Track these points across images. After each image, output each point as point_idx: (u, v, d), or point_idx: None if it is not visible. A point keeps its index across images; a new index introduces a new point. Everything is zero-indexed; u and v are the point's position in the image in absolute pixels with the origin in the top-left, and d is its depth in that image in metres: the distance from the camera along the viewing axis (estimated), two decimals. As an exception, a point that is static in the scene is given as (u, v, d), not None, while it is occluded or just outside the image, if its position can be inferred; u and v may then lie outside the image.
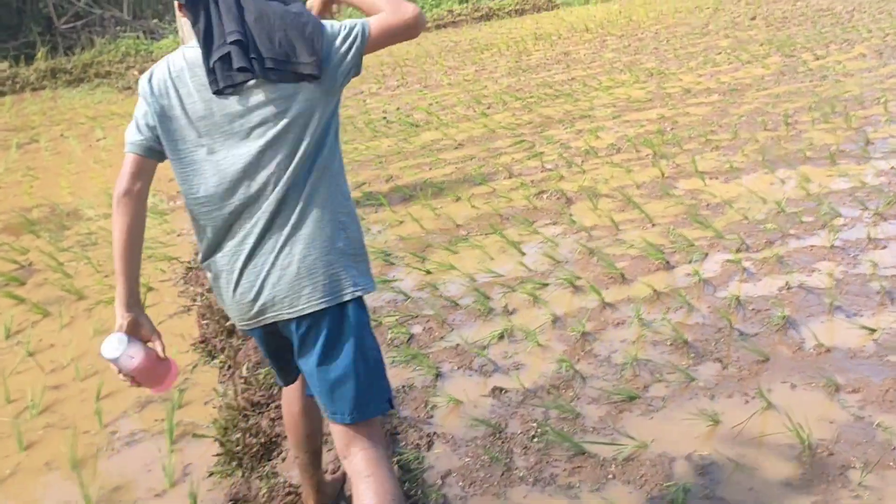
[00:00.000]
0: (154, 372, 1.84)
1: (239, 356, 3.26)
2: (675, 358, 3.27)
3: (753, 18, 11.90)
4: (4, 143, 8.68)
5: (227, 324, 3.55)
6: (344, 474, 2.49)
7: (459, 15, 15.92)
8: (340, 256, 1.81)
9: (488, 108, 8.31)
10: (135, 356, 1.79)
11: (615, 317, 3.68)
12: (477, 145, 6.97)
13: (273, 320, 1.82)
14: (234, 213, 1.80)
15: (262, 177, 1.77)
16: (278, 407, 2.85)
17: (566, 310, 3.81)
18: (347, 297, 1.81)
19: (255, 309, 1.82)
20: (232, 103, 1.77)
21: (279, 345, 1.97)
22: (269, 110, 1.77)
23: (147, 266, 4.73)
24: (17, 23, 15.45)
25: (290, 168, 1.76)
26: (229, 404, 2.93)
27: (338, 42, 1.78)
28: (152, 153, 1.89)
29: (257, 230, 1.79)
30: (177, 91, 1.80)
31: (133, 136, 1.89)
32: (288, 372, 2.12)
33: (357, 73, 1.85)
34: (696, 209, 4.82)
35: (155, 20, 15.46)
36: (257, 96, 1.76)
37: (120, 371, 1.79)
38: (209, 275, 1.92)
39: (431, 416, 3.07)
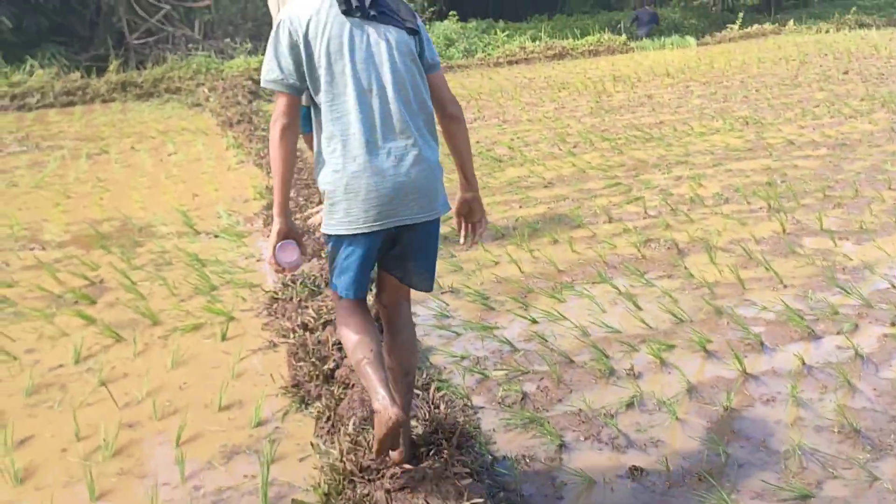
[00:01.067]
0: (298, 262, 2.39)
1: (341, 408, 2.84)
2: (846, 449, 2.79)
3: (846, 73, 11.37)
4: (75, 152, 8.51)
5: (325, 367, 3.14)
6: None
7: (532, 52, 15.64)
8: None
9: (575, 146, 7.91)
10: (297, 257, 2.35)
11: (762, 392, 3.21)
12: (568, 185, 6.56)
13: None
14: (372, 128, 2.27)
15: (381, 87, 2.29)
16: (393, 476, 2.41)
17: (701, 378, 3.35)
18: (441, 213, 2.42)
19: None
20: (364, 25, 2.29)
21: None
22: (390, 42, 2.31)
23: (226, 292, 4.38)
24: (90, 35, 15.58)
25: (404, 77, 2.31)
26: (333, 466, 2.51)
27: (424, 34, 2.42)
28: (294, 89, 2.28)
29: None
30: (326, 17, 2.26)
31: (278, 75, 2.27)
32: (367, 282, 2.41)
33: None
34: (831, 272, 4.33)
35: (227, 39, 15.45)
36: (380, 27, 2.31)
37: (282, 267, 2.34)
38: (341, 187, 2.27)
39: (561, 498, 2.63)
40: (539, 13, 23.31)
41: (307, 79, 2.28)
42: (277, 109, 2.28)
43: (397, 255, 2.40)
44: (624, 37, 16.83)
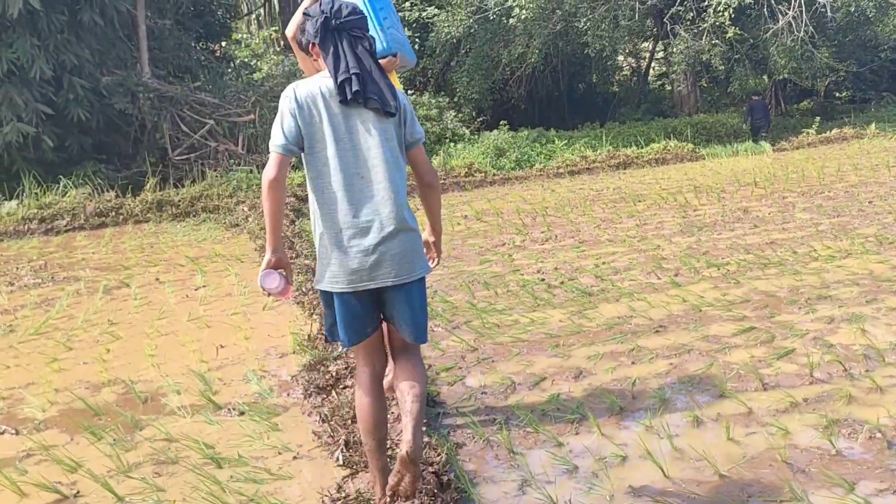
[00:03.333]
0: (286, 290, 2.85)
1: None
2: None
3: (966, 179, 9.95)
4: (92, 285, 7.41)
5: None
6: None
7: (594, 161, 14.58)
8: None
9: (676, 275, 6.56)
10: (280, 284, 2.81)
11: None
12: (684, 329, 5.17)
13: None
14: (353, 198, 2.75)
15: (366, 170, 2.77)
16: None
17: None
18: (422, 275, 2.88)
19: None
20: (354, 114, 2.77)
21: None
22: (374, 125, 2.78)
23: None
24: (134, 153, 14.96)
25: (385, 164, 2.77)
26: None
27: (408, 114, 2.90)
28: (291, 152, 2.73)
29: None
30: (324, 103, 2.75)
31: (280, 140, 2.71)
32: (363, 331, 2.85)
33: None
34: None
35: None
36: (367, 114, 2.77)
37: (268, 293, 2.82)
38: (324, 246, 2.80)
39: None
40: (588, 122, 22.55)
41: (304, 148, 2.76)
42: (270, 165, 2.71)
43: (387, 311, 2.86)
44: (691, 145, 15.71)
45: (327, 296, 2.86)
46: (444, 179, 13.34)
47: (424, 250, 3.03)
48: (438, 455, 3.30)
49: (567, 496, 3.18)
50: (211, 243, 9.38)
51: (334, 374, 4.34)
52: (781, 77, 20.93)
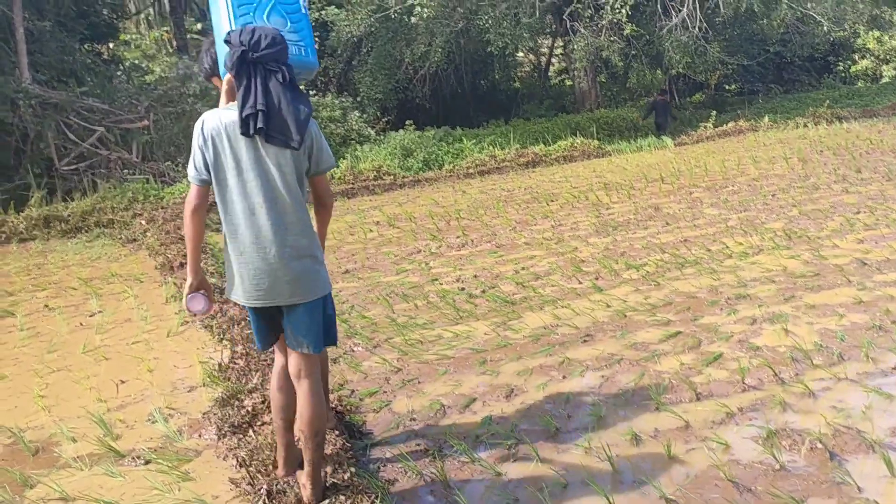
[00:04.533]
0: (209, 308, 3.14)
1: None
2: None
3: (859, 171, 10.37)
4: (-29, 315, 6.72)
5: None
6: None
7: (503, 161, 14.49)
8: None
9: (597, 278, 6.49)
10: (206, 305, 3.11)
11: None
12: (612, 337, 5.08)
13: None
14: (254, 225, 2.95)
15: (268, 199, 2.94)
16: None
17: None
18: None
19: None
20: (256, 147, 2.91)
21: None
22: (275, 157, 2.92)
23: None
24: (16, 164, 13.91)
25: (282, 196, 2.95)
26: None
27: (315, 144, 3.03)
28: (205, 182, 2.94)
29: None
30: (227, 135, 2.90)
31: (193, 171, 2.93)
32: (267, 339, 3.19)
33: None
34: None
35: (167, 163, 13.93)
36: (270, 148, 2.92)
37: (193, 313, 3.12)
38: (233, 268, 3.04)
39: None
40: (493, 119, 22.58)
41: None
42: (191, 195, 2.97)
43: (284, 325, 3.12)
44: (597, 141, 15.88)
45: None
46: (353, 184, 12.99)
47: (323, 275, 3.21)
48: (372, 503, 3.03)
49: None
50: (106, 262, 8.75)
51: (250, 409, 4.00)
52: (676, 72, 21.46)
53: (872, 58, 29.83)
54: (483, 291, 6.40)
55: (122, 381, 4.84)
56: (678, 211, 8.97)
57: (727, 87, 30.20)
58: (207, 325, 5.74)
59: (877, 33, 29.19)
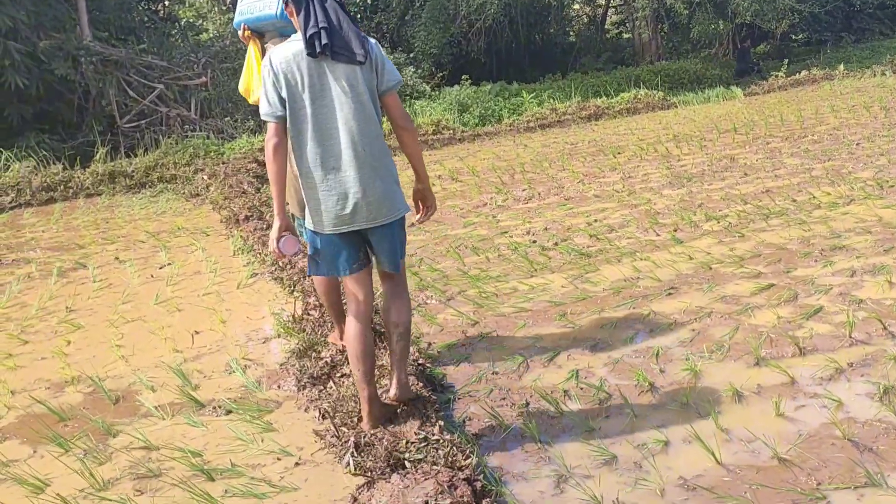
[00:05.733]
0: (298, 250, 3.10)
1: None
2: None
3: (949, 118, 9.75)
4: (45, 267, 6.78)
5: None
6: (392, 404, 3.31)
7: (564, 114, 14.10)
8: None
9: (675, 230, 6.20)
10: (297, 246, 3.08)
11: None
12: (698, 290, 4.82)
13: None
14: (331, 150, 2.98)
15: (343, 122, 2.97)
16: None
17: None
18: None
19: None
20: (325, 71, 2.94)
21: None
22: (346, 77, 2.95)
23: None
24: (79, 121, 14.06)
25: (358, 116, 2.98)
26: None
27: (378, 62, 3.04)
28: (280, 117, 2.96)
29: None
30: (296, 64, 2.92)
31: (266, 108, 2.96)
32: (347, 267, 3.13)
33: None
34: None
35: (226, 119, 13.91)
36: (339, 69, 2.94)
37: (285, 255, 3.08)
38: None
39: None
40: (549, 73, 22.02)
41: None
42: (269, 132, 2.99)
43: (371, 246, 3.18)
44: (661, 93, 15.33)
45: (312, 232, 3.12)
46: (412, 138, 12.80)
47: (415, 200, 3.35)
48: (467, 458, 2.89)
49: (612, 493, 2.81)
50: (171, 216, 8.76)
51: (328, 360, 3.89)
52: (742, 20, 20.57)
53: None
54: (555, 244, 6.18)
55: (197, 332, 4.79)
56: (756, 161, 8.55)
57: (793, 36, 28.93)
58: (277, 276, 5.66)
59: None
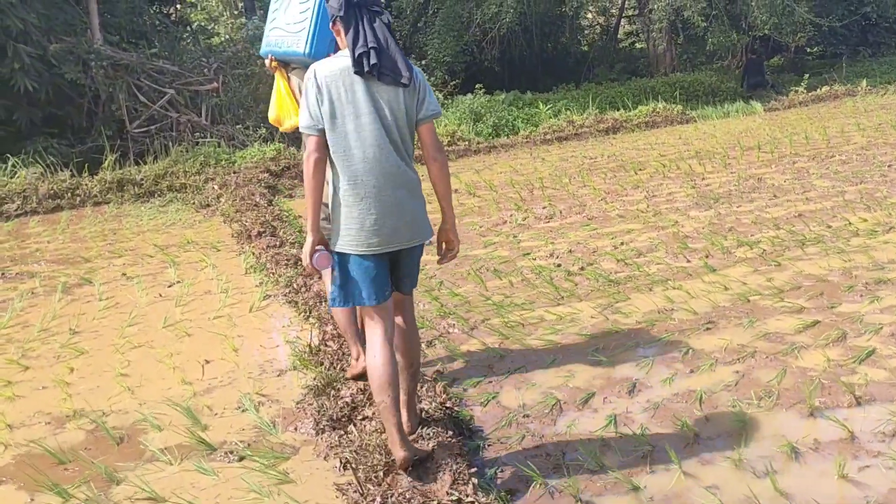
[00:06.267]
0: (330, 265, 3.06)
1: None
2: None
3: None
4: (49, 282, 6.55)
5: None
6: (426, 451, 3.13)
7: (581, 127, 13.83)
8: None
9: (707, 256, 5.94)
10: (330, 260, 3.04)
11: None
12: (738, 325, 4.55)
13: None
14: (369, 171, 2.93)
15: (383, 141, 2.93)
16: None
17: None
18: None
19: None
20: (370, 89, 2.91)
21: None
22: (388, 98, 2.93)
23: None
24: (88, 126, 13.85)
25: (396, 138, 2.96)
26: None
27: (421, 90, 3.00)
28: (321, 131, 2.93)
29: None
30: (342, 80, 2.91)
31: (308, 121, 2.94)
32: (381, 292, 3.03)
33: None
34: None
35: (237, 126, 13.68)
36: (382, 90, 2.92)
37: (318, 270, 3.09)
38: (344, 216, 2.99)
39: None
40: (562, 83, 21.75)
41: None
42: (309, 147, 2.96)
43: (396, 270, 3.12)
44: (680, 106, 15.04)
45: (343, 257, 3.03)
46: (427, 149, 12.54)
47: (440, 241, 3.26)
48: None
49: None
50: (181, 228, 8.52)
51: (349, 401, 3.63)
52: (761, 33, 20.29)
53: (970, 19, 27.84)
54: (581, 268, 5.91)
55: (207, 362, 4.53)
56: (784, 182, 8.28)
57: (808, 49, 28.60)
58: (291, 300, 5.41)
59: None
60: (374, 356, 3.00)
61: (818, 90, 16.59)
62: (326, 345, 4.38)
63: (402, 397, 3.14)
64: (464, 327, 4.90)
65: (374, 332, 3.04)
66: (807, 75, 18.00)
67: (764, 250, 5.94)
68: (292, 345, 4.58)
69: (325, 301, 5.16)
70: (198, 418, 3.71)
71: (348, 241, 2.97)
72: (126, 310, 5.67)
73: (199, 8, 27.05)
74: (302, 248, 3.13)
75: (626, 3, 25.85)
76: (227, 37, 20.03)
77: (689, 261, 5.88)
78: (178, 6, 22.03)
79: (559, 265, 6.06)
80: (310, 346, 4.43)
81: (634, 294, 5.28)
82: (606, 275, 5.69)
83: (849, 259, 5.55)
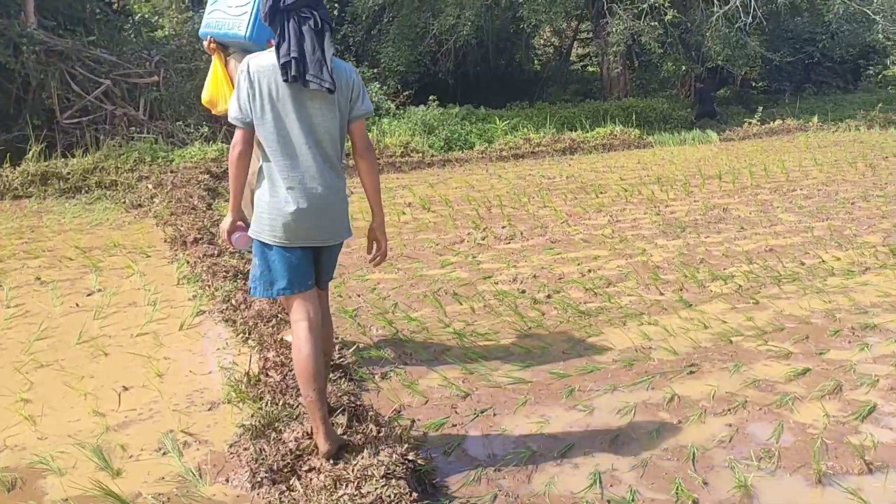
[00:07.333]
0: (250, 244, 3.13)
1: None
2: None
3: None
4: (-48, 283, 5.78)
5: None
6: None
7: (538, 145, 13.50)
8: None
9: (681, 289, 5.57)
10: (249, 241, 3.10)
11: None
12: (722, 369, 4.17)
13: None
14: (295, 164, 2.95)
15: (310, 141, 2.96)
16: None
17: None
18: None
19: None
20: (300, 89, 2.91)
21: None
22: (317, 100, 2.93)
23: None
24: (16, 114, 12.88)
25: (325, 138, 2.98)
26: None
27: (355, 89, 3.04)
28: (249, 125, 2.94)
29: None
30: (273, 77, 2.89)
31: (237, 113, 2.94)
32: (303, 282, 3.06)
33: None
34: None
35: (177, 122, 12.91)
36: (312, 91, 2.91)
37: (238, 250, 3.61)
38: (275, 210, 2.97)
39: None
40: (514, 101, 21.49)
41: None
42: (236, 138, 2.98)
43: (315, 266, 3.16)
44: (637, 131, 14.88)
45: (264, 246, 3.04)
46: (379, 158, 12.00)
47: (369, 241, 3.31)
48: None
49: None
50: (108, 229, 7.79)
51: (294, 447, 3.07)
52: (714, 64, 20.44)
53: (904, 64, 28.80)
54: (548, 296, 5.48)
55: (125, 388, 3.91)
56: (750, 214, 8.02)
57: (754, 83, 29.09)
58: (229, 318, 4.81)
59: (914, 38, 28.13)
60: (300, 349, 2.97)
61: (772, 123, 16.66)
62: (268, 374, 3.82)
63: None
64: (423, 358, 4.40)
65: (299, 324, 3.02)
66: (760, 108, 18.12)
67: (740, 286, 5.61)
68: (227, 372, 4.00)
69: (267, 321, 4.59)
70: (109, 461, 3.11)
71: (270, 232, 2.98)
72: (36, 320, 4.98)
73: (143, 0, 25.99)
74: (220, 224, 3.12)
75: (580, 25, 25.86)
76: (172, 31, 19.16)
77: (662, 293, 5.50)
78: (122, -5, 21.05)
79: (523, 291, 5.61)
80: (248, 374, 3.85)
81: (608, 328, 4.86)
82: (575, 304, 5.26)
83: (829, 300, 5.25)
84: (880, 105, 18.45)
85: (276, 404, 3.47)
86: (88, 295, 5.52)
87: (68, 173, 9.82)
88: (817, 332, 4.70)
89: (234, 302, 4.95)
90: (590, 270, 6.10)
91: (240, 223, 3.13)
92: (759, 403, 3.76)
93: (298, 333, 3.01)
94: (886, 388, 3.90)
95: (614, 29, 18.40)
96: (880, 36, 26.74)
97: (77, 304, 5.30)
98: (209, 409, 3.67)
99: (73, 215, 8.41)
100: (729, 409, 3.71)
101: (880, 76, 28.79)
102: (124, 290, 5.62)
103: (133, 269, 6.11)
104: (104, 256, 6.60)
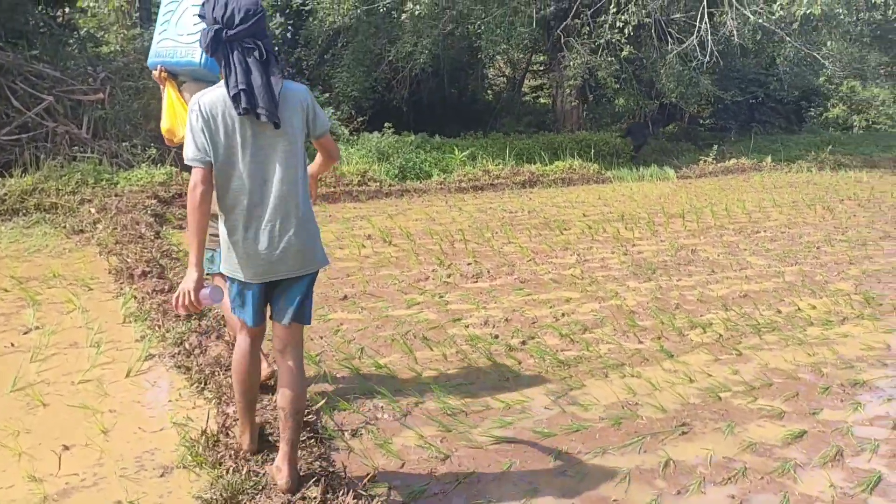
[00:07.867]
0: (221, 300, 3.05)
1: None
2: None
3: (897, 226, 9.52)
4: None
5: None
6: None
7: (498, 177, 13.32)
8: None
9: (660, 338, 5.36)
10: (222, 294, 3.03)
11: None
12: (716, 430, 3.95)
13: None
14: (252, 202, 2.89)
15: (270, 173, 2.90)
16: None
17: None
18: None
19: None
20: (254, 121, 2.84)
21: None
22: (269, 134, 2.87)
23: None
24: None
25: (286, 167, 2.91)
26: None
27: (309, 110, 2.98)
28: (207, 163, 2.84)
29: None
30: (226, 112, 2.83)
31: (194, 153, 2.83)
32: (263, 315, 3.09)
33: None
34: None
35: (123, 143, 12.33)
36: (262, 126, 2.86)
37: (204, 304, 2.91)
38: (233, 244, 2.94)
39: None
40: (467, 130, 21.37)
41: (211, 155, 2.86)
42: (195, 178, 2.84)
43: (275, 296, 3.06)
44: (596, 165, 14.85)
45: (230, 279, 3.04)
46: (335, 187, 11.62)
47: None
48: None
49: None
50: (46, 256, 7.25)
51: (261, 527, 2.70)
52: (668, 100, 20.70)
53: (844, 106, 29.74)
54: (523, 342, 5.21)
55: (66, 448, 3.48)
56: (718, 257, 7.91)
57: (701, 121, 29.67)
58: (182, 364, 4.39)
59: (854, 82, 29.14)
60: (240, 364, 3.11)
61: (726, 162, 16.84)
62: (229, 434, 3.43)
63: (285, 448, 3.02)
64: (394, 412, 4.06)
65: (243, 339, 3.13)
66: (714, 146, 18.34)
67: (720, 335, 5.42)
68: (181, 429, 3.59)
69: (226, 369, 4.20)
70: (45, 544, 2.69)
71: (231, 268, 2.97)
72: (-36, 363, 4.49)
73: (89, 14, 25.19)
74: (182, 283, 2.91)
75: (533, 57, 26.02)
76: (119, 47, 18.53)
77: (641, 342, 5.28)
78: (67, 9, 20.35)
79: (497, 336, 5.32)
80: (205, 433, 3.46)
81: (589, 380, 4.60)
82: (553, 352, 4.99)
83: (813, 353, 5.09)
84: (830, 147, 18.86)
85: (240, 472, 3.09)
86: (25, 333, 5.03)
87: (5, 194, 9.20)
88: (807, 388, 4.52)
89: (187, 346, 4.53)
90: (563, 314, 5.85)
91: (208, 286, 2.96)
92: (760, 471, 3.53)
93: (240, 346, 3.13)
94: (889, 454, 3.71)
95: (571, 63, 18.47)
96: (822, 80, 27.67)
97: (12, 344, 4.81)
98: (161, 476, 3.26)
99: (10, 240, 7.83)
100: (729, 478, 3.46)
101: (822, 117, 29.65)
102: (65, 328, 5.14)
103: (74, 303, 5.63)
104: (42, 288, 6.08)
